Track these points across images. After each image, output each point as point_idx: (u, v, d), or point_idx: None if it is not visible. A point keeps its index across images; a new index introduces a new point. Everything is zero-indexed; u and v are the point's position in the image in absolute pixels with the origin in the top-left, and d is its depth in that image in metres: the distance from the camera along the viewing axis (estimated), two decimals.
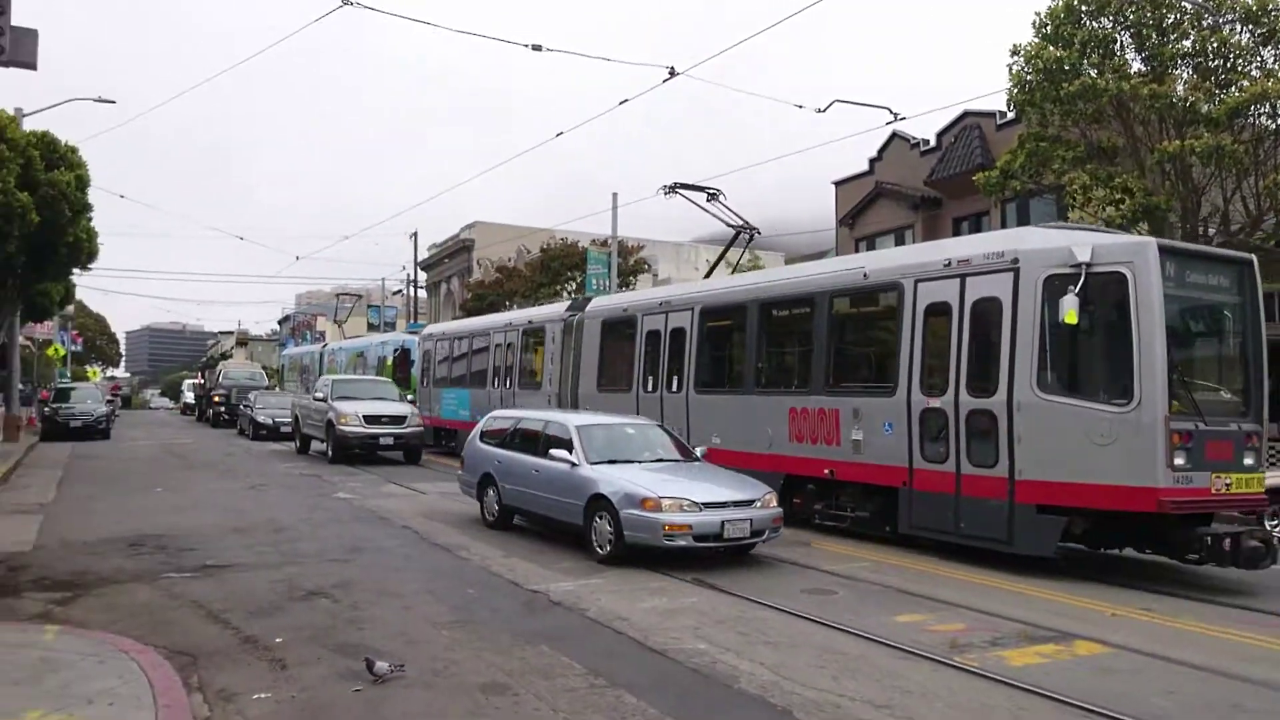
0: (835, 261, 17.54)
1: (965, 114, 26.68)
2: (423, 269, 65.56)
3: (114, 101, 27.76)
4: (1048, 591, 9.23)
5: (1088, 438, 9.71)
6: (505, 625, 7.62)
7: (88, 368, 72.57)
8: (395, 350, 31.87)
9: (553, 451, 11.22)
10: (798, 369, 14.06)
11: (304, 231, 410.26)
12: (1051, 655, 6.98)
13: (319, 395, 23.19)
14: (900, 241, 28.77)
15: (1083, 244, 9.99)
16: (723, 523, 9.88)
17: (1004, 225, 25.71)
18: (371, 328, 63.25)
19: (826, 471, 12.57)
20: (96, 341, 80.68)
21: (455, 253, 62.93)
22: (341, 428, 21.67)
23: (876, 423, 11.82)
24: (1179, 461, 9.37)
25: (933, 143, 28.53)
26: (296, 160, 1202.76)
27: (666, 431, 12.72)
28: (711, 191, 17.58)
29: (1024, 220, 25.08)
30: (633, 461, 11.18)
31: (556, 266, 40.28)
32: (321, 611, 7.97)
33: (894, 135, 29.79)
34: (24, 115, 23.74)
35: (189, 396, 61.59)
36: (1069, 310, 9.59)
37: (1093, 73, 17.08)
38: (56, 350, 48.42)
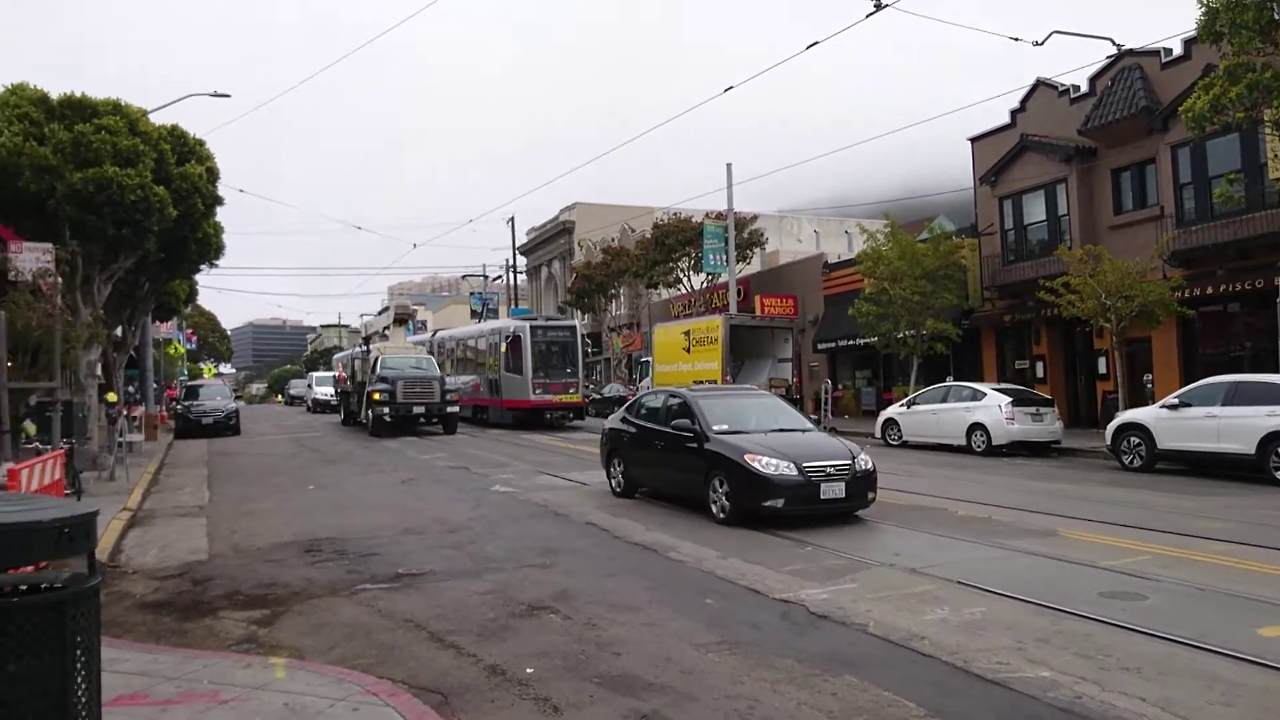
0: (483, 325, 39.94)
1: (1124, 53, 24.42)
2: (522, 254, 65.07)
3: (229, 95, 27.56)
4: None
5: (516, 385, 30.95)
6: (780, 647, 6.46)
7: (202, 365, 74.48)
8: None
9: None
10: (475, 364, 35.63)
11: (418, 221, 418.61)
12: None
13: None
14: (1052, 199, 26.82)
15: (517, 326, 31.85)
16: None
17: (1175, 173, 23.62)
18: (474, 315, 63.16)
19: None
20: (209, 339, 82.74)
21: (555, 236, 62.18)
22: None
23: (485, 384, 33.62)
24: (537, 391, 30.43)
25: (1084, 89, 26.34)
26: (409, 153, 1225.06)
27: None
28: None
29: (1199, 164, 23.06)
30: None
31: (671, 243, 39.01)
32: (557, 631, 6.95)
33: (1038, 83, 27.67)
34: (148, 113, 23.51)
35: (320, 392, 48.85)
36: (504, 347, 31.58)
37: None
38: (176, 348, 49.36)
